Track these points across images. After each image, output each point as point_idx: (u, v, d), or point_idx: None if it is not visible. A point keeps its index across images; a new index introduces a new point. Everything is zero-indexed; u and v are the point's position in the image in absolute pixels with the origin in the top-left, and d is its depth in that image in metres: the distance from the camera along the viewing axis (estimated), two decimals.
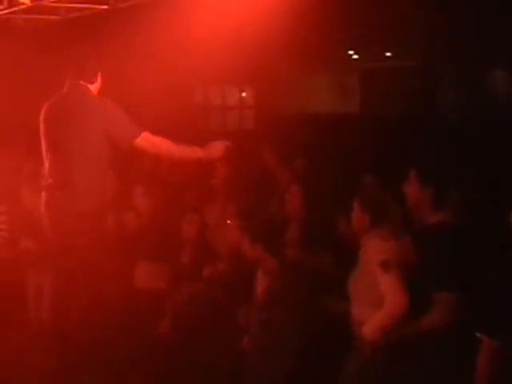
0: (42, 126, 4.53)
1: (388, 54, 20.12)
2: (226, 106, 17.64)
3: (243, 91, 18.39)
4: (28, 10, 7.07)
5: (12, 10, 6.82)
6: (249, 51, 12.27)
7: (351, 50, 19.32)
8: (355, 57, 20.69)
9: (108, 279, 4.63)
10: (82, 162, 4.33)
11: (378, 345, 3.86)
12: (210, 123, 16.76)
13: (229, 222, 5.31)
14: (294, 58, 16.25)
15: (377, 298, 3.92)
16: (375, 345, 3.88)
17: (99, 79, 4.59)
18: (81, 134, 4.32)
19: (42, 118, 4.54)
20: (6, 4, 6.69)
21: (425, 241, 3.86)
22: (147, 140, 4.40)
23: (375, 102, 20.03)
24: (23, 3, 6.54)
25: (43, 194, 4.62)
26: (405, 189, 4.05)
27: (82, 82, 4.51)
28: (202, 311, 5.02)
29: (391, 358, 3.87)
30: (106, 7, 6.91)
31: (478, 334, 3.30)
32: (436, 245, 3.77)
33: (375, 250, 4.01)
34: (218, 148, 4.56)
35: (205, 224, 5.93)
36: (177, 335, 5.17)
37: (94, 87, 4.55)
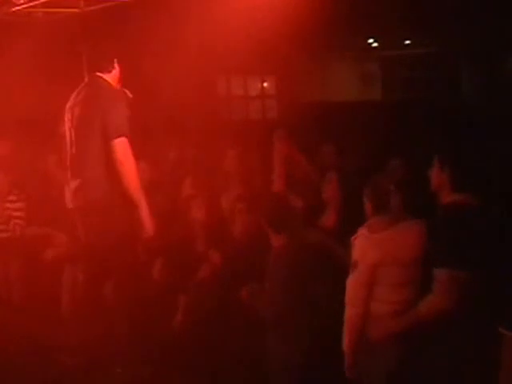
0: (65, 120, 4.66)
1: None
2: (249, 96, 17.70)
3: (265, 81, 18.44)
4: (47, 4, 7.10)
5: (32, 3, 6.82)
6: (269, 41, 12.31)
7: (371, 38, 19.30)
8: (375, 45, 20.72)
9: (126, 268, 4.66)
10: (91, 153, 4.45)
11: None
12: (232, 113, 16.85)
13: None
14: (314, 47, 16.24)
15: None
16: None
17: (117, 67, 4.64)
18: (91, 125, 4.43)
19: (65, 111, 4.66)
20: None
21: (435, 220, 3.97)
22: (121, 147, 4.37)
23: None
24: None
25: (66, 187, 4.75)
26: (429, 173, 4.14)
27: (98, 74, 4.59)
28: (214, 302, 5.14)
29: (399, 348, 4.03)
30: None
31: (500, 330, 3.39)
32: (442, 222, 3.88)
33: (353, 245, 4.21)
34: (150, 225, 4.56)
35: (219, 210, 6.00)
36: (190, 326, 5.28)
37: (111, 76, 4.61)
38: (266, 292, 4.49)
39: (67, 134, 4.63)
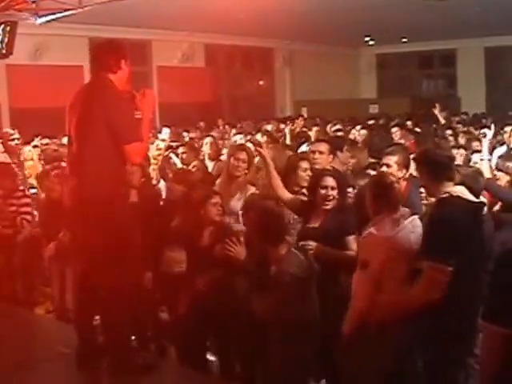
0: (66, 118, 4.60)
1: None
2: None
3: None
4: None
5: None
6: None
7: None
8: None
9: (128, 264, 4.61)
10: (94, 152, 4.37)
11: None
12: None
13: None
14: None
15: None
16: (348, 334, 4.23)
17: (124, 67, 4.56)
18: (94, 125, 4.37)
19: (66, 110, 4.59)
20: None
21: (427, 214, 4.15)
22: (134, 150, 4.39)
23: None
24: None
25: (66, 184, 4.75)
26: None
27: (102, 74, 4.50)
28: (219, 296, 5.12)
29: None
30: None
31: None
32: (432, 216, 3.99)
33: (360, 245, 4.28)
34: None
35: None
36: (194, 316, 5.24)
37: (117, 77, 4.52)
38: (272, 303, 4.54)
39: (68, 131, 4.64)
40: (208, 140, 9.02)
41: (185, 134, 12.53)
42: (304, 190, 5.58)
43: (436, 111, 12.94)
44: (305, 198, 5.45)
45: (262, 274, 4.60)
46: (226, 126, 14.22)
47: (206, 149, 8.78)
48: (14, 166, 7.81)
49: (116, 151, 4.39)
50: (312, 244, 4.91)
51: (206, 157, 8.65)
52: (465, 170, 5.28)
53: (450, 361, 3.92)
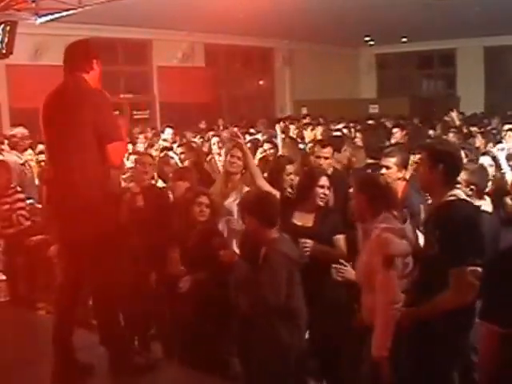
0: (40, 121, 4.51)
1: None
2: None
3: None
4: None
5: None
6: None
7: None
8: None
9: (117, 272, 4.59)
10: (77, 155, 4.30)
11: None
12: None
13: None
14: None
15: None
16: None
17: (96, 67, 4.50)
18: (74, 127, 4.30)
19: (40, 112, 4.49)
20: None
21: (440, 217, 3.95)
22: (116, 150, 4.32)
23: None
24: None
25: (44, 188, 4.66)
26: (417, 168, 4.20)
27: (77, 74, 4.43)
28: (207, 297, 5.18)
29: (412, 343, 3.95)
30: None
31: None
32: (453, 220, 3.85)
33: (381, 241, 4.02)
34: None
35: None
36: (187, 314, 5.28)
37: (90, 77, 4.47)
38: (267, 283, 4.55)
39: (46, 134, 4.52)
40: (215, 140, 9.04)
41: (189, 134, 12.53)
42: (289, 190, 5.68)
43: (453, 114, 13.12)
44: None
45: (253, 259, 4.63)
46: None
47: (215, 148, 8.81)
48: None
49: (101, 152, 4.33)
50: (309, 242, 4.96)
51: (217, 157, 8.69)
52: (471, 166, 5.21)
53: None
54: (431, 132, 11.43)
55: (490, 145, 8.97)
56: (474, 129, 11.27)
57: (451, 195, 3.93)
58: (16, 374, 4.72)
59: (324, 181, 5.24)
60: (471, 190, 4.91)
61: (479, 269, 3.69)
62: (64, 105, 4.36)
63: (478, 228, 3.90)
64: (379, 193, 4.26)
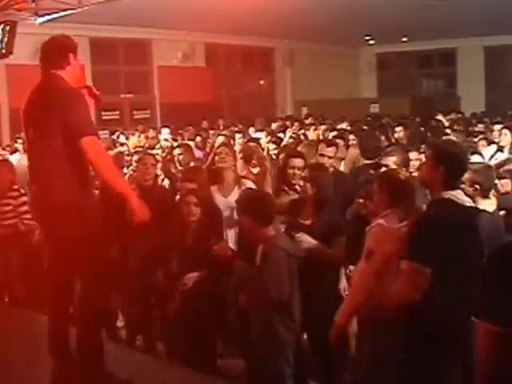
0: (22, 122, 4.43)
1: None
2: None
3: None
4: None
5: None
6: None
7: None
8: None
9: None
10: (49, 154, 4.20)
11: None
12: None
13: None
14: None
15: None
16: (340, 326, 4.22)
17: (73, 61, 4.37)
18: (47, 125, 4.20)
19: (21, 113, 4.42)
20: None
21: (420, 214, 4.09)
22: (91, 144, 4.13)
23: None
24: None
25: (27, 190, 4.61)
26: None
27: (52, 71, 4.31)
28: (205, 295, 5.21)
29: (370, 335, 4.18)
30: None
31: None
32: (421, 219, 3.95)
33: (368, 235, 4.21)
34: (141, 211, 4.21)
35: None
36: (184, 314, 5.31)
37: (67, 72, 4.34)
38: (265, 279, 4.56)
39: (24, 134, 4.46)
40: (220, 139, 9.03)
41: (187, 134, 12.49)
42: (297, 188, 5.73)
43: (440, 117, 13.08)
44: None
45: (251, 257, 4.65)
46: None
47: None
48: None
49: (76, 150, 4.19)
50: (305, 236, 4.97)
51: None
52: (476, 165, 5.18)
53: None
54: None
55: (483, 142, 8.94)
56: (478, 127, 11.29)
57: (445, 194, 3.92)
58: (17, 375, 4.72)
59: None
60: (475, 189, 4.88)
61: (428, 270, 3.72)
62: (38, 105, 4.28)
63: (442, 228, 3.83)
64: (395, 187, 4.29)
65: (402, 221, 4.16)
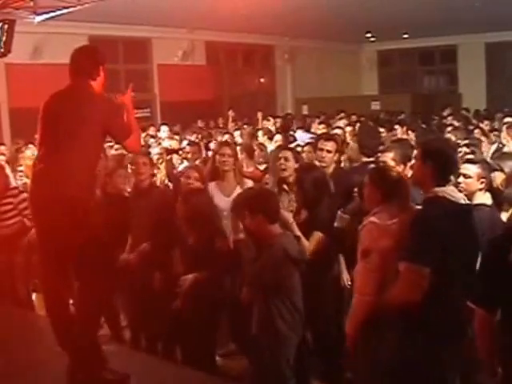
0: (40, 120, 4.58)
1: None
2: None
3: None
4: None
5: None
6: None
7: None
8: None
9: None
10: (75, 151, 4.39)
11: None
12: None
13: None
14: None
15: None
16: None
17: (102, 73, 4.65)
18: (79, 127, 4.41)
19: (41, 111, 4.58)
20: None
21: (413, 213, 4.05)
22: (131, 142, 4.64)
23: None
24: None
25: (30, 181, 4.70)
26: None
27: (83, 78, 4.58)
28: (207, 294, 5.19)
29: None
30: None
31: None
32: (416, 218, 3.91)
33: (361, 234, 4.15)
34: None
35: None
36: (186, 312, 5.29)
37: (96, 83, 4.62)
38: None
39: (42, 133, 4.56)
40: (226, 137, 9.02)
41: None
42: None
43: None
44: None
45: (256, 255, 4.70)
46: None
47: None
48: None
49: (97, 152, 4.67)
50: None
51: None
52: (479, 160, 5.18)
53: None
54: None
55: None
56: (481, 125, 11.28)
57: (436, 192, 3.91)
58: (19, 375, 4.68)
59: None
60: (482, 183, 4.89)
61: (427, 270, 3.71)
62: (70, 107, 4.48)
63: (438, 228, 3.80)
64: (385, 183, 4.25)
65: (393, 217, 4.08)
